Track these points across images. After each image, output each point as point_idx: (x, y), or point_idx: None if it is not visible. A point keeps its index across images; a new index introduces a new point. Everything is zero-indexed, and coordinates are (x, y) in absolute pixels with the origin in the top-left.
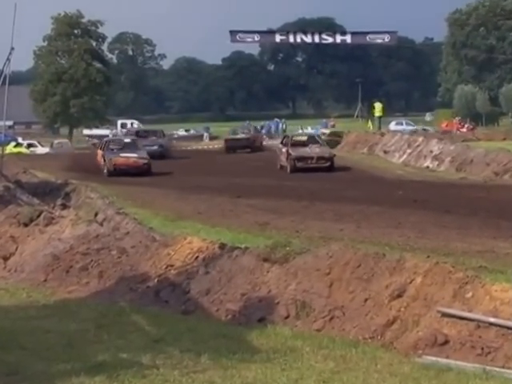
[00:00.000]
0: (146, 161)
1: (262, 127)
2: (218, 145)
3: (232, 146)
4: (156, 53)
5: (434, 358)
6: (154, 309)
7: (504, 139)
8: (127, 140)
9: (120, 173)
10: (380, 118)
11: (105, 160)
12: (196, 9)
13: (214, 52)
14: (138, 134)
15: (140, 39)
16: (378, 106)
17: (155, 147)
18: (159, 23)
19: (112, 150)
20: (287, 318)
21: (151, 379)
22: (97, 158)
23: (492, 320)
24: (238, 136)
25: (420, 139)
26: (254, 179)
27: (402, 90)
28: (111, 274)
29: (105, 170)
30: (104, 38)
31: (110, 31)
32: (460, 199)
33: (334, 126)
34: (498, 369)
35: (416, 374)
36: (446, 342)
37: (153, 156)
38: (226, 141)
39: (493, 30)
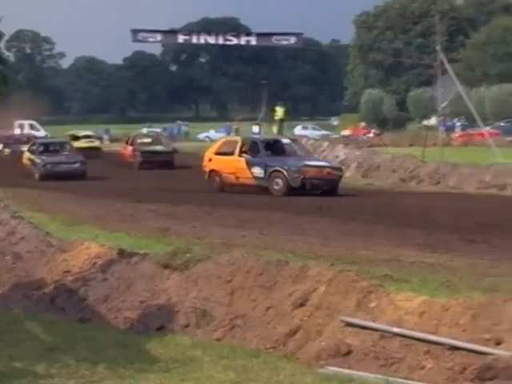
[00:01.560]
0: (81, 164)
1: (164, 130)
2: (117, 147)
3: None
4: (55, 51)
5: (336, 369)
6: (50, 316)
7: (411, 145)
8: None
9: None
10: (282, 121)
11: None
12: (96, 7)
13: (114, 51)
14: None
15: (38, 37)
16: (279, 109)
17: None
18: (58, 21)
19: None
20: (187, 326)
21: None
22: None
23: (396, 330)
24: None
25: (325, 144)
26: (155, 183)
27: (309, 93)
28: (5, 279)
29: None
30: (1, 35)
31: (7, 28)
32: (366, 206)
33: (237, 130)
34: (401, 380)
35: None
36: (349, 353)
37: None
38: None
39: (400, 34)
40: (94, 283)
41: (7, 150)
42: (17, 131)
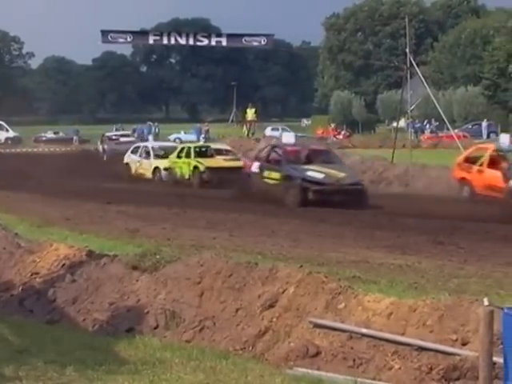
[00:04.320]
0: None
1: (134, 130)
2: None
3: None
4: (24, 51)
5: (305, 370)
6: (18, 318)
7: (380, 147)
8: None
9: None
10: (252, 122)
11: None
12: (66, 6)
13: (84, 52)
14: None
15: (7, 36)
16: (249, 111)
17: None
18: (27, 21)
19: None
20: (156, 328)
21: None
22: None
23: (364, 331)
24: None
25: None
26: (125, 185)
27: (279, 94)
28: None
29: None
30: None
31: None
32: (335, 208)
33: (208, 132)
34: (369, 381)
35: None
36: (318, 354)
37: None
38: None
39: (370, 36)
40: (63, 285)
41: None
42: None
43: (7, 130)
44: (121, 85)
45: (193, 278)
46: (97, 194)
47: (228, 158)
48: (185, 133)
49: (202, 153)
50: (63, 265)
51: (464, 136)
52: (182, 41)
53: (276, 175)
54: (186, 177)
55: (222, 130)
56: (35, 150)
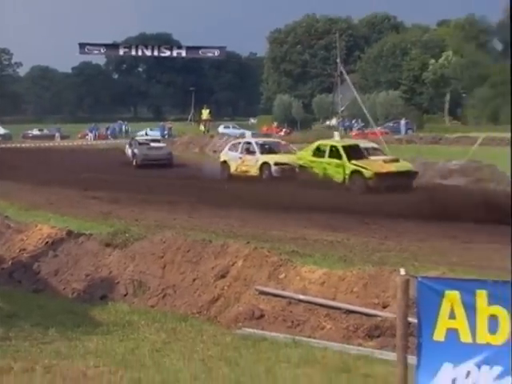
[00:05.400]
0: None
1: (107, 128)
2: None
3: None
4: (13, 61)
5: (251, 330)
6: (8, 288)
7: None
8: None
9: None
10: (207, 122)
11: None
12: (50, 21)
13: (65, 61)
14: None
15: None
16: (204, 111)
17: None
18: (16, 34)
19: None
20: (126, 295)
21: (4, 349)
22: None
23: (301, 297)
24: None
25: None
26: (100, 174)
27: (230, 97)
28: None
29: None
30: None
31: None
32: (280, 193)
33: (170, 129)
34: (305, 338)
35: (236, 343)
36: (262, 316)
37: None
38: None
39: (307, 48)
40: (46, 259)
41: None
42: None
43: None
44: (96, 90)
45: (157, 253)
46: (75, 182)
47: (388, 159)
48: (151, 130)
49: (352, 152)
50: (46, 242)
51: (386, 133)
52: (148, 52)
53: None
54: (339, 180)
55: (183, 128)
56: (23, 145)
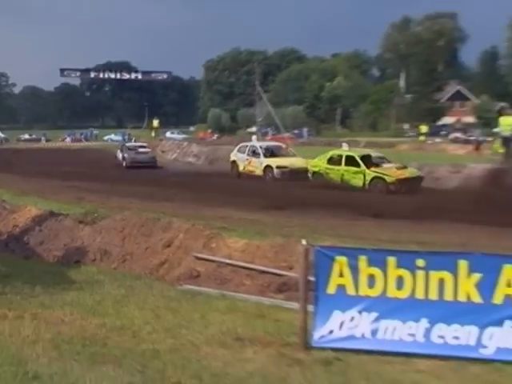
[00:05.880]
0: None
1: (81, 134)
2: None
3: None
4: (9, 82)
5: (190, 286)
6: (5, 255)
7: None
8: None
9: None
10: (157, 129)
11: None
12: (37, 50)
13: (49, 82)
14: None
15: None
16: (155, 121)
17: None
18: (13, 60)
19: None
20: (94, 260)
21: (1, 302)
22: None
23: (228, 261)
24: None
25: (185, 143)
26: (79, 168)
27: (175, 110)
28: None
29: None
30: None
31: None
32: (214, 183)
33: (129, 135)
34: (231, 293)
35: (179, 296)
36: (198, 276)
37: None
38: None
39: (233, 73)
40: (34, 233)
41: None
42: None
43: None
44: (73, 104)
45: (118, 228)
46: (58, 174)
47: (399, 166)
48: (114, 135)
49: (367, 161)
50: (34, 220)
51: (292, 137)
52: (112, 75)
53: None
54: (359, 184)
55: (139, 133)
56: (17, 146)
